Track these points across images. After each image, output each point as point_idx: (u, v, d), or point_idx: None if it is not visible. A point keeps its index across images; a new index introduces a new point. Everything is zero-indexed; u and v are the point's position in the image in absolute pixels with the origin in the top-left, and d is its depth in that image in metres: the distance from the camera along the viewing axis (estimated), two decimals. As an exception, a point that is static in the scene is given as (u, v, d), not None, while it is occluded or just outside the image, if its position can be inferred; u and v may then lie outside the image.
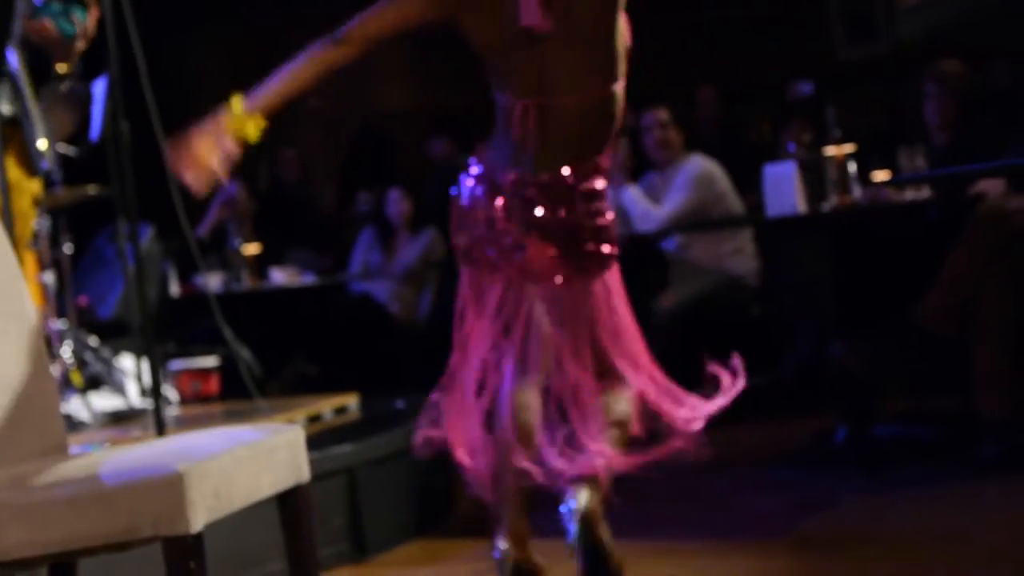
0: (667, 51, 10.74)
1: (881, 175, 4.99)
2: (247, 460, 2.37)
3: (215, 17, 10.18)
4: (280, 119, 11.41)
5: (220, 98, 11.07)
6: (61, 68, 4.06)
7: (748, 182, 6.58)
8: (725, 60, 10.49)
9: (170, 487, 2.17)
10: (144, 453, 2.37)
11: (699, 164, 6.03)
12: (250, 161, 9.84)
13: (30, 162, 4.27)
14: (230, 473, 2.31)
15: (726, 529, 3.56)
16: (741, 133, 9.14)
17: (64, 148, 5.52)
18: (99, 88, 5.70)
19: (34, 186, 4.28)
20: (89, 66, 5.53)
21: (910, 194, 4.67)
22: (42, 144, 4.34)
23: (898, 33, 4.94)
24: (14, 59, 4.10)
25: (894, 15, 5.09)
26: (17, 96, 4.19)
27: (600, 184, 3.20)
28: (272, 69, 11.40)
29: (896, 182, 4.70)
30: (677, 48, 10.74)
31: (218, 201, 7.45)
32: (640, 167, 6.24)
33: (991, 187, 4.59)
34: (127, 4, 3.94)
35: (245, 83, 11.30)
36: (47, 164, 4.53)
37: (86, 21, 4.01)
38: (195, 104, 10.26)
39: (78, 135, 5.76)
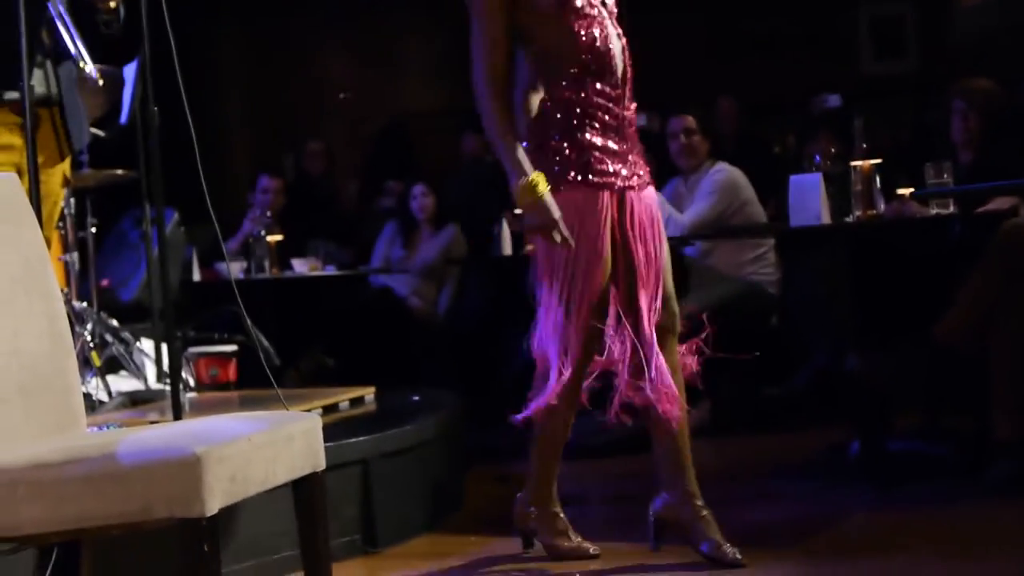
0: (693, 62, 10.77)
1: (906, 190, 4.99)
2: (264, 446, 2.39)
3: (240, 6, 10.22)
4: (308, 112, 11.58)
5: (243, 86, 11.09)
6: (110, 3, 4.06)
7: (770, 192, 6.59)
8: (752, 72, 10.50)
9: (187, 469, 2.18)
10: (162, 434, 2.38)
11: (724, 171, 6.04)
12: (274, 156, 9.94)
13: (60, 142, 4.28)
14: (247, 458, 2.32)
15: (735, 539, 3.56)
16: (766, 145, 9.13)
17: (94, 130, 5.56)
18: (130, 72, 5.74)
19: (64, 166, 4.30)
20: (120, 51, 5.57)
21: (935, 209, 4.65)
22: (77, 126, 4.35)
23: (956, 32, 4.95)
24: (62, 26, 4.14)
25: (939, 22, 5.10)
26: (53, 75, 4.21)
27: None
28: (292, 59, 11.41)
29: (919, 195, 4.69)
30: (703, 59, 10.76)
31: (250, 216, 7.48)
32: (664, 173, 6.24)
33: (1001, 204, 4.59)
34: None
35: (266, 72, 11.37)
36: (87, 140, 4.56)
37: None
38: (220, 91, 10.37)
39: (108, 118, 5.80)
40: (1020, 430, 4.30)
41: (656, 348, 3.48)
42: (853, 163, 4.68)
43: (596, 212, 3.44)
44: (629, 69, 3.55)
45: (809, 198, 4.67)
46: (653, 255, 3.53)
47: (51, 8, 4.01)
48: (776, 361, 6.10)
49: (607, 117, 3.49)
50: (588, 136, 3.46)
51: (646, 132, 6.88)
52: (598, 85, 3.47)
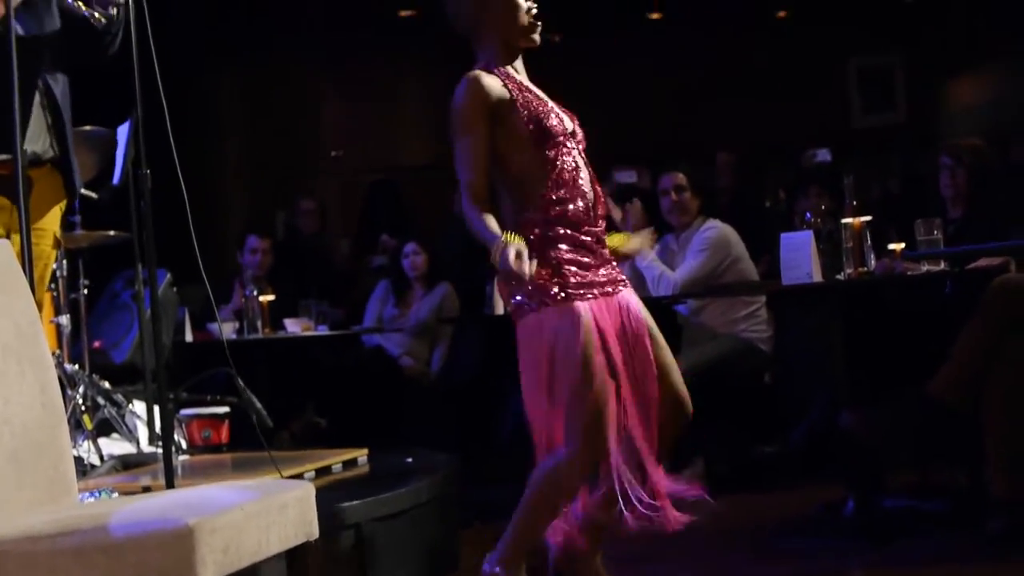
0: (683, 113, 10.84)
1: (896, 245, 5.00)
2: (257, 515, 2.38)
3: (234, 64, 10.26)
4: (300, 170, 11.60)
5: (236, 144, 11.09)
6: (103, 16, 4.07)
7: (762, 247, 6.60)
8: (741, 125, 10.56)
9: (179, 541, 2.17)
10: (154, 505, 2.37)
11: (716, 228, 6.05)
12: (266, 215, 9.94)
13: (53, 199, 4.29)
14: (240, 528, 2.31)
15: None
16: (756, 198, 9.16)
17: (86, 192, 5.57)
18: (122, 133, 5.76)
19: (54, 226, 4.30)
20: (113, 111, 5.60)
21: (926, 266, 4.67)
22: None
23: (954, 132, 5.01)
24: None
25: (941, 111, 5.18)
26: (54, 127, 4.22)
27: None
28: (284, 117, 11.40)
29: (909, 257, 4.71)
30: (692, 111, 10.83)
31: (239, 282, 7.48)
32: (655, 229, 6.25)
33: (992, 260, 4.61)
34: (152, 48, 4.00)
35: (259, 130, 11.37)
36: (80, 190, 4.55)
37: None
38: (213, 150, 10.37)
39: (100, 178, 5.82)
40: (1015, 487, 4.29)
41: (651, 460, 3.49)
42: (844, 220, 4.70)
43: (577, 325, 3.43)
44: (599, 195, 3.64)
45: (800, 256, 4.68)
46: (643, 358, 3.53)
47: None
48: (770, 418, 6.10)
49: (579, 235, 3.54)
50: (560, 254, 3.50)
51: (636, 189, 6.92)
52: (569, 207, 3.54)
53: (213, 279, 4.17)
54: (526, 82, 3.64)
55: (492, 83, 3.54)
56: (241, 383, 5.34)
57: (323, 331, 7.24)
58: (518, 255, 3.21)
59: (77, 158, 4.46)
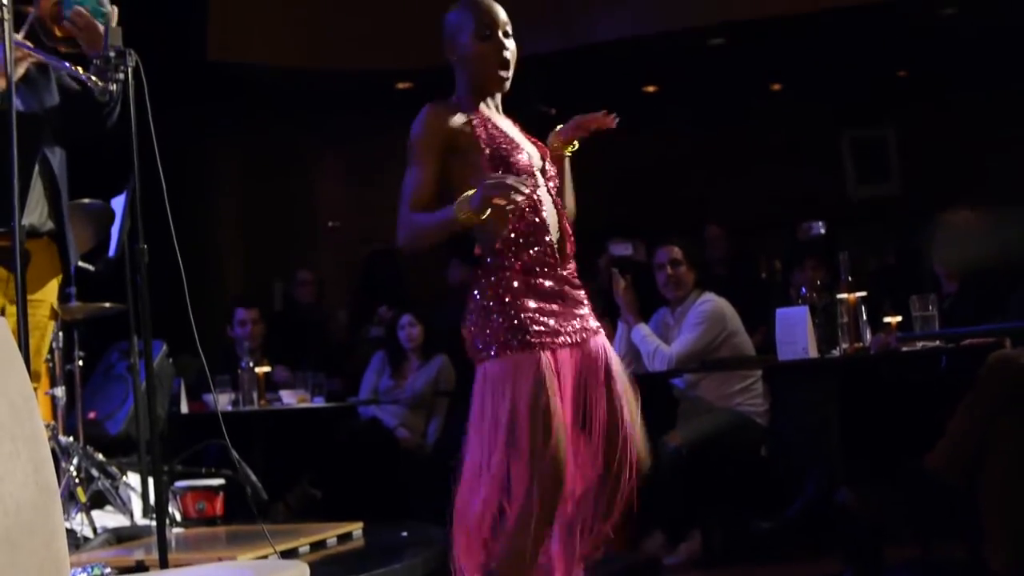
0: (678, 186, 10.91)
1: (892, 319, 5.02)
2: (250, 597, 2.36)
3: (231, 135, 10.31)
4: (298, 241, 11.60)
5: (232, 215, 11.10)
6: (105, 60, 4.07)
7: (758, 319, 6.61)
8: (737, 196, 10.62)
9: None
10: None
11: (711, 302, 6.06)
12: (264, 285, 9.96)
13: (50, 272, 4.29)
14: (233, 611, 2.29)
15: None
16: (752, 269, 9.19)
17: (83, 264, 5.59)
18: (118, 205, 5.78)
19: (51, 297, 4.30)
20: (110, 182, 5.62)
21: (921, 342, 4.68)
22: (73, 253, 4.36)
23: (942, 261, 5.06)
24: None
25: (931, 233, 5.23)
26: (51, 201, 4.22)
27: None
28: (281, 189, 11.41)
29: (904, 338, 4.72)
30: (688, 183, 10.90)
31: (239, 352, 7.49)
32: (651, 303, 6.27)
33: (987, 339, 4.62)
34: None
35: (256, 201, 11.37)
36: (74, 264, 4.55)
37: (108, 3, 4.07)
38: (210, 220, 10.37)
39: (96, 251, 5.83)
40: (1013, 562, 4.27)
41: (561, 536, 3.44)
42: (839, 296, 4.72)
43: (539, 378, 3.28)
44: (568, 234, 3.49)
45: (796, 331, 4.70)
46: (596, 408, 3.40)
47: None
48: (766, 492, 6.07)
49: (541, 281, 3.40)
50: (520, 300, 3.36)
51: (631, 261, 6.94)
52: (532, 251, 3.40)
53: (209, 349, 4.16)
54: (494, 117, 3.50)
55: (450, 115, 3.44)
56: (236, 456, 5.33)
57: (319, 402, 7.23)
58: (494, 185, 3.14)
59: (74, 230, 4.48)
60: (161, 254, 4.13)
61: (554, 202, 3.51)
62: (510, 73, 3.49)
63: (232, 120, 10.15)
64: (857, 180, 11.45)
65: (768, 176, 11.00)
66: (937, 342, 4.68)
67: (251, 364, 7.03)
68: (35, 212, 4.21)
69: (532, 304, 3.35)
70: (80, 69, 4.04)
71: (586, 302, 3.49)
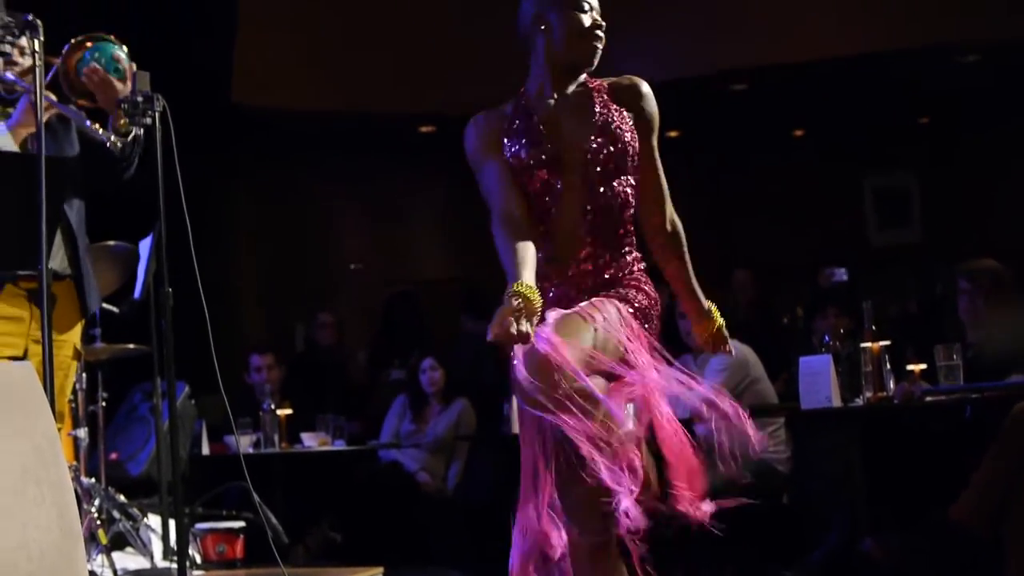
0: (700, 232, 10.89)
1: (915, 367, 5.00)
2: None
3: (254, 177, 10.36)
4: (319, 283, 11.59)
5: (255, 257, 11.04)
6: (120, 127, 4.08)
7: (780, 365, 6.59)
8: (759, 241, 10.62)
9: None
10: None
11: (734, 349, 6.04)
12: (285, 327, 9.98)
13: (73, 314, 4.30)
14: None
15: None
16: (774, 315, 9.18)
17: (107, 306, 5.62)
18: (144, 247, 5.81)
19: (75, 338, 4.31)
20: (136, 225, 5.66)
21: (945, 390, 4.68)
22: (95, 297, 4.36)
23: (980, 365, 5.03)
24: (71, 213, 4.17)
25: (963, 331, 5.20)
26: (69, 252, 4.24)
27: None
28: (304, 230, 11.40)
29: (931, 392, 4.71)
30: (709, 230, 10.89)
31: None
32: (674, 350, 6.25)
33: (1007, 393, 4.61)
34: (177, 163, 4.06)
35: (278, 243, 11.35)
36: (97, 309, 4.55)
37: (128, 59, 4.08)
38: (232, 263, 10.37)
39: (121, 292, 5.86)
40: (1038, 614, 4.24)
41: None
42: (863, 345, 4.71)
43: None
44: (580, 238, 3.18)
45: (820, 380, 4.69)
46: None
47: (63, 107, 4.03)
48: (788, 540, 6.04)
49: (550, 290, 3.17)
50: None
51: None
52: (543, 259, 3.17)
53: (231, 391, 4.18)
54: (540, 109, 3.25)
55: (495, 117, 3.29)
56: (257, 499, 5.33)
57: (340, 445, 7.23)
58: (515, 313, 2.81)
59: (99, 272, 4.50)
60: (184, 296, 4.16)
61: (586, 197, 3.19)
62: (600, 48, 3.28)
63: (255, 162, 10.21)
64: (879, 226, 11.44)
65: (790, 222, 11.01)
66: (962, 387, 4.66)
67: (272, 406, 7.04)
68: (56, 257, 4.23)
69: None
70: (99, 127, 4.06)
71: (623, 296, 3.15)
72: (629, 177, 3.25)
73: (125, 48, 4.10)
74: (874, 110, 10.61)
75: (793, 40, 9.30)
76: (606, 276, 3.20)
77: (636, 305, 3.18)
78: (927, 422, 5.03)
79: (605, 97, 3.29)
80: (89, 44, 4.05)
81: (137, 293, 5.80)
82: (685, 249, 3.42)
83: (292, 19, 9.50)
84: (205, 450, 7.10)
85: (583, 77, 3.33)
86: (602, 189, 3.20)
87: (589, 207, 3.19)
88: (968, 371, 4.82)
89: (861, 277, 9.64)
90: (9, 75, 3.96)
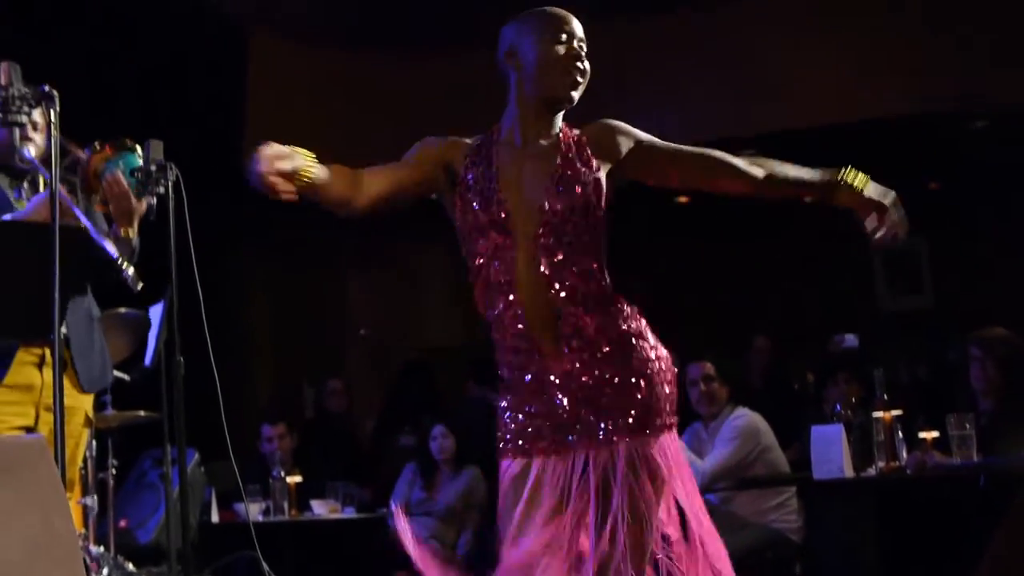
0: (708, 298, 10.90)
1: (927, 434, 4.99)
2: None
3: (262, 243, 10.38)
4: (329, 349, 11.56)
5: (265, 323, 11.01)
6: (125, 231, 4.09)
7: (791, 432, 6.57)
8: (768, 307, 10.61)
9: None
10: None
11: (745, 417, 6.04)
12: (295, 392, 9.97)
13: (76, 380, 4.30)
14: None
15: None
16: (785, 381, 9.17)
17: (118, 373, 5.62)
18: (155, 313, 5.83)
19: (86, 405, 4.31)
20: (146, 292, 5.67)
21: (959, 460, 4.65)
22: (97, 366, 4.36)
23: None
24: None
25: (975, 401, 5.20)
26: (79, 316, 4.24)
27: None
28: (313, 296, 11.34)
29: (945, 468, 4.69)
30: (718, 295, 10.89)
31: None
32: (684, 418, 6.25)
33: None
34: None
35: (288, 309, 11.32)
36: (109, 381, 4.55)
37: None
38: (242, 328, 10.36)
39: (132, 360, 5.87)
40: None
41: None
42: (875, 414, 4.70)
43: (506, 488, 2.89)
44: (549, 309, 2.86)
45: (832, 449, 4.68)
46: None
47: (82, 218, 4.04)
48: (802, 610, 6.00)
49: (519, 373, 2.91)
50: (503, 394, 2.96)
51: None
52: (508, 335, 2.91)
53: (240, 457, 4.17)
54: (506, 155, 2.97)
55: (454, 143, 3.05)
56: (266, 567, 5.31)
57: (350, 513, 7.20)
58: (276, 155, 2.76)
59: (110, 339, 4.50)
60: (194, 362, 4.16)
61: (547, 272, 2.88)
62: (580, 84, 2.96)
63: (264, 226, 10.24)
64: (889, 292, 11.43)
65: (799, 287, 11.00)
66: (975, 459, 4.64)
67: (282, 474, 7.03)
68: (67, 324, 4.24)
69: (506, 401, 2.93)
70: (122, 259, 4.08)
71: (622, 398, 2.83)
72: (596, 241, 2.93)
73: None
74: (883, 175, 10.58)
75: (800, 106, 9.34)
76: (598, 356, 2.84)
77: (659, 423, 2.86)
78: (941, 492, 5.00)
79: (574, 150, 2.96)
80: (115, 151, 4.06)
81: (148, 360, 5.81)
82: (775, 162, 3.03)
83: (303, 80, 9.56)
84: (215, 517, 7.08)
85: (559, 125, 3.00)
86: (561, 256, 2.87)
87: (554, 278, 2.86)
88: (981, 441, 4.80)
89: (871, 343, 9.62)
90: (28, 153, 3.98)
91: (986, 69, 8.85)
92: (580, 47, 2.97)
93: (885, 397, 4.79)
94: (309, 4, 9.07)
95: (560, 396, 2.86)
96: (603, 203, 2.93)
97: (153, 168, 4.10)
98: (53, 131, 3.74)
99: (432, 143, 3.05)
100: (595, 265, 2.90)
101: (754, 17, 9.26)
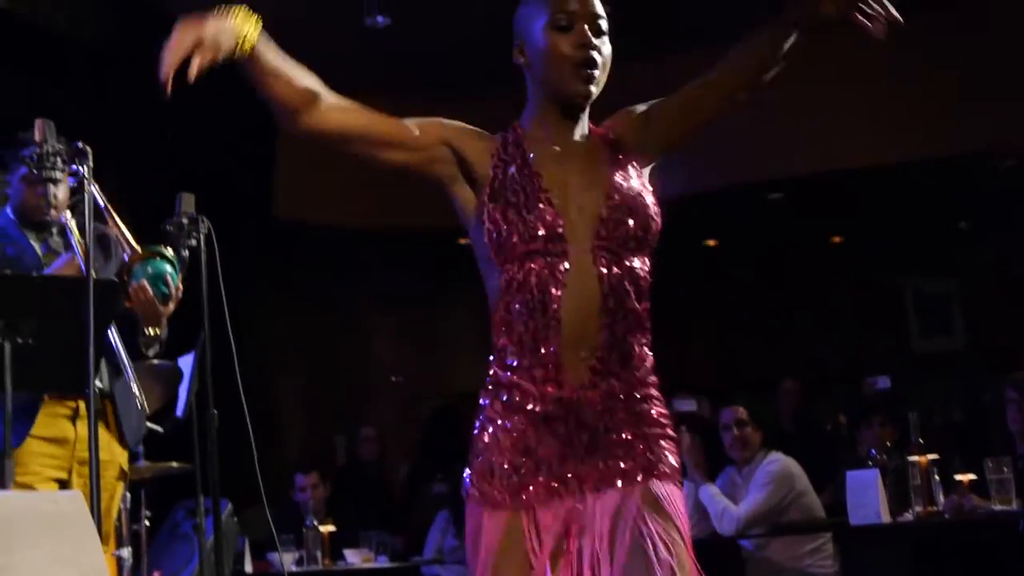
0: (740, 341, 10.86)
1: (964, 477, 4.94)
2: None
3: (291, 292, 10.41)
4: (359, 397, 11.59)
5: (296, 372, 11.01)
6: (152, 331, 4.12)
7: (825, 475, 6.53)
8: (799, 350, 10.57)
9: None
10: None
11: (779, 462, 6.01)
12: (327, 440, 9.97)
13: (119, 435, 4.32)
14: None
15: None
16: (817, 424, 9.12)
17: (151, 425, 5.63)
18: (186, 364, 5.83)
19: (121, 458, 4.33)
20: (177, 342, 5.69)
21: (997, 505, 4.61)
22: (135, 418, 4.38)
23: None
24: (112, 333, 4.19)
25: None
26: (113, 370, 4.27)
27: None
28: (344, 344, 11.34)
29: (983, 513, 4.65)
30: (750, 339, 10.86)
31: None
32: (717, 462, 6.23)
33: None
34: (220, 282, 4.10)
35: (319, 357, 11.35)
36: (142, 435, 4.58)
37: (177, 281, 4.10)
38: (273, 377, 10.35)
39: (163, 411, 5.87)
40: None
41: None
42: (910, 458, 4.67)
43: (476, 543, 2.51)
44: (621, 336, 2.49)
45: (867, 494, 4.65)
46: None
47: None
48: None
49: (533, 407, 2.49)
50: (498, 432, 2.51)
51: (696, 418, 6.90)
52: (525, 360, 2.49)
53: (274, 505, 4.16)
54: (541, 152, 2.57)
55: (477, 140, 2.60)
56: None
57: (383, 562, 7.18)
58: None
59: (143, 391, 4.52)
60: (226, 411, 4.16)
61: (602, 284, 2.48)
62: (595, 76, 2.55)
63: (295, 276, 10.28)
64: (921, 333, 11.37)
65: (829, 330, 10.95)
66: (1014, 504, 4.60)
67: (315, 523, 7.02)
68: (104, 378, 4.27)
69: (499, 441, 2.51)
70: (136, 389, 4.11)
71: (648, 448, 2.50)
72: (645, 258, 2.57)
73: (176, 268, 4.11)
74: (913, 216, 10.60)
75: (829, 149, 9.33)
76: (614, 404, 2.49)
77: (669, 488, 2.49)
78: (979, 536, 4.95)
79: (612, 150, 2.62)
80: (144, 258, 4.08)
81: (180, 412, 5.81)
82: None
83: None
84: (248, 567, 7.05)
85: (586, 122, 2.63)
86: (616, 270, 2.50)
87: (603, 297, 2.47)
88: (1020, 484, 4.76)
89: (904, 385, 9.56)
90: (63, 217, 4.02)
91: (1014, 110, 8.84)
92: (592, 28, 2.54)
93: (920, 441, 4.75)
94: (339, 57, 9.11)
95: (575, 431, 2.47)
96: (656, 204, 2.59)
97: (185, 221, 4.14)
98: (87, 186, 3.78)
99: (445, 121, 2.59)
100: (644, 281, 2.54)
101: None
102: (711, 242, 11.14)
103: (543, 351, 2.46)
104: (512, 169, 2.53)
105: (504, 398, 2.50)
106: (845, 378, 9.94)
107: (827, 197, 10.11)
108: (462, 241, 10.52)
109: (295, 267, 10.15)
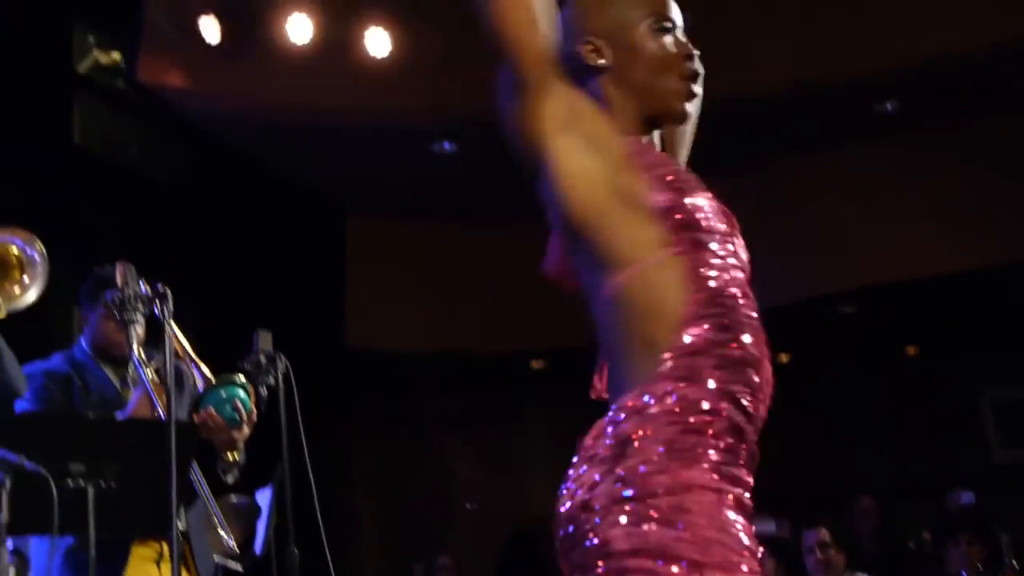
0: (815, 458, 10.70)
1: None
2: None
3: (367, 420, 10.43)
4: (435, 523, 11.53)
5: (372, 498, 10.95)
6: (230, 455, 4.13)
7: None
8: (876, 465, 10.41)
9: None
10: None
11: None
12: (403, 569, 9.90)
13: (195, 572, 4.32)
14: None
15: None
16: (899, 542, 8.94)
17: (231, 563, 5.61)
18: (264, 498, 5.82)
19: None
20: (254, 474, 5.69)
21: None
22: (207, 556, 4.38)
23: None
24: (195, 471, 4.21)
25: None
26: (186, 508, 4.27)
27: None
28: (419, 469, 11.28)
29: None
30: (825, 456, 10.69)
31: None
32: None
33: None
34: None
35: (395, 483, 11.27)
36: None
37: (250, 406, 4.10)
38: (350, 504, 10.31)
39: (242, 548, 5.85)
40: None
41: None
42: (1006, 582, 4.56)
43: None
44: (767, 379, 2.15)
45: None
46: None
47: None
48: None
49: (736, 448, 2.03)
50: (699, 473, 1.95)
51: (777, 542, 6.80)
52: (734, 387, 2.05)
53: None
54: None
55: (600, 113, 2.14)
56: None
57: None
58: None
59: (211, 536, 4.53)
60: (303, 542, 4.14)
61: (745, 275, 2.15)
62: (698, 92, 2.22)
63: (369, 404, 10.31)
64: (1001, 443, 11.16)
65: (906, 442, 10.78)
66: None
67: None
68: (182, 518, 4.28)
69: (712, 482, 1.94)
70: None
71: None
72: None
73: (249, 392, 4.13)
74: (988, 323, 10.47)
75: (899, 258, 9.28)
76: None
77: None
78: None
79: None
80: (214, 386, 4.12)
81: (258, 549, 5.78)
82: None
83: (400, 261, 9.70)
84: None
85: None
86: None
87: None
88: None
89: (987, 499, 9.36)
90: (137, 361, 4.05)
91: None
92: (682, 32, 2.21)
93: (1014, 563, 4.63)
94: (399, 181, 9.24)
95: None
96: None
97: (263, 359, 4.16)
98: (167, 328, 3.81)
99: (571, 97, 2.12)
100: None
101: (830, 174, 9.27)
102: (784, 357, 11.05)
103: (749, 392, 2.15)
104: (651, 151, 2.21)
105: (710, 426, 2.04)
106: (924, 493, 9.74)
107: (900, 307, 10.02)
108: (535, 364, 10.53)
109: (369, 393, 10.18)
